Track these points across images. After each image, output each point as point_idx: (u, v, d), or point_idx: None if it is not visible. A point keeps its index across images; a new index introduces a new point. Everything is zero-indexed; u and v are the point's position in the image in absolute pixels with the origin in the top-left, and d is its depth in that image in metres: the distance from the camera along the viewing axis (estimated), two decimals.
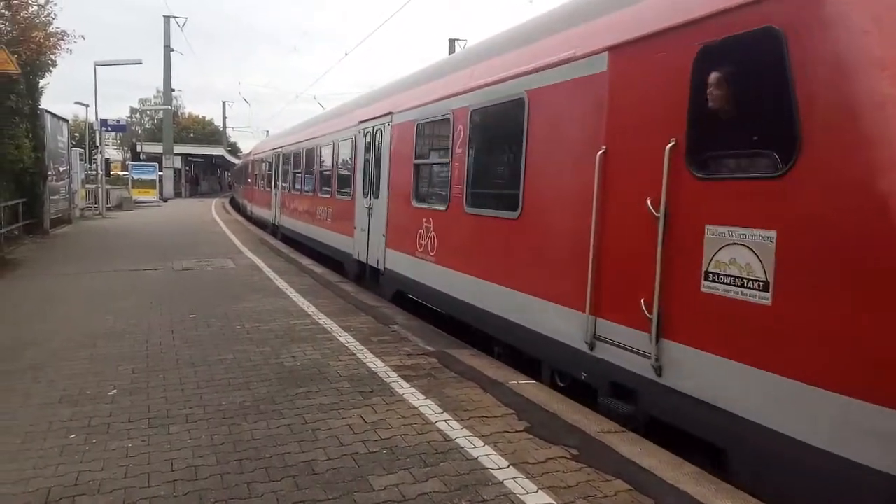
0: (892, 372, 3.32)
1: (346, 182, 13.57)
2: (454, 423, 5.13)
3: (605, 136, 5.41)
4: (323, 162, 15.99)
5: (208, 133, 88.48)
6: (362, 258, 12.06)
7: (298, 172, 18.94)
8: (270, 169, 24.11)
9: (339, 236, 13.83)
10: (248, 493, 3.97)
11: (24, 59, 17.88)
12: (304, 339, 7.81)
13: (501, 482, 4.14)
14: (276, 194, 22.78)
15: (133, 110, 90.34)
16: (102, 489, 4.00)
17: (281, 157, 21.87)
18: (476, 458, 4.48)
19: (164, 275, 12.76)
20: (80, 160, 30.97)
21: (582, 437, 4.89)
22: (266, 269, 13.66)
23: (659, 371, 4.75)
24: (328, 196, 15.11)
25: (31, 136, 19.90)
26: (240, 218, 31.74)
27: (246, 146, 70.39)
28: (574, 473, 4.28)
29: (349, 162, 13.35)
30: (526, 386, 6.11)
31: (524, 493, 4.00)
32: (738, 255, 4.11)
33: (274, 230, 23.01)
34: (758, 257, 3.98)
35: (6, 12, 18.41)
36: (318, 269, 14.02)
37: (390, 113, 10.80)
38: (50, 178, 21.70)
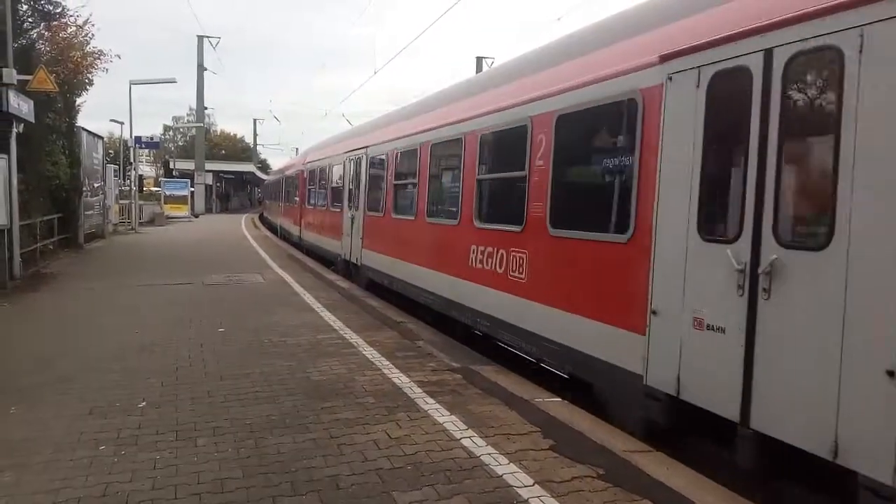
0: None
1: (609, 199, 6.24)
2: (479, 440, 5.11)
3: None
4: (492, 164, 8.72)
5: (239, 150, 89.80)
6: (716, 403, 4.66)
7: (409, 184, 11.44)
8: (342, 181, 16.69)
9: (582, 322, 6.25)
10: None
11: (62, 78, 18.43)
12: (330, 353, 7.85)
13: (526, 500, 4.10)
14: (353, 218, 15.06)
15: (166, 128, 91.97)
16: (130, 500, 4.04)
17: (366, 162, 14.37)
18: (501, 476, 4.45)
19: (194, 289, 12.93)
20: (115, 176, 31.65)
21: (608, 456, 4.82)
22: (294, 284, 13.78)
23: None
24: (516, 230, 7.55)
25: (67, 152, 20.45)
26: (269, 234, 32.06)
27: (276, 163, 71.31)
28: (600, 493, 4.22)
29: (624, 155, 5.91)
30: (551, 403, 6.05)
31: None
32: None
33: (348, 269, 15.59)
34: None
35: (46, 33, 18.99)
36: (345, 284, 14.09)
37: None
38: (85, 193, 22.16)
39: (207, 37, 51.31)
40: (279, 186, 33.30)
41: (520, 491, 4.22)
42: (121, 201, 33.83)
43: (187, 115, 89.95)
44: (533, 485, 4.32)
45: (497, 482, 4.36)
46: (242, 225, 37.85)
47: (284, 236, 28.66)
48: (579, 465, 4.66)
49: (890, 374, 3.55)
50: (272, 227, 36.14)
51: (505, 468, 4.58)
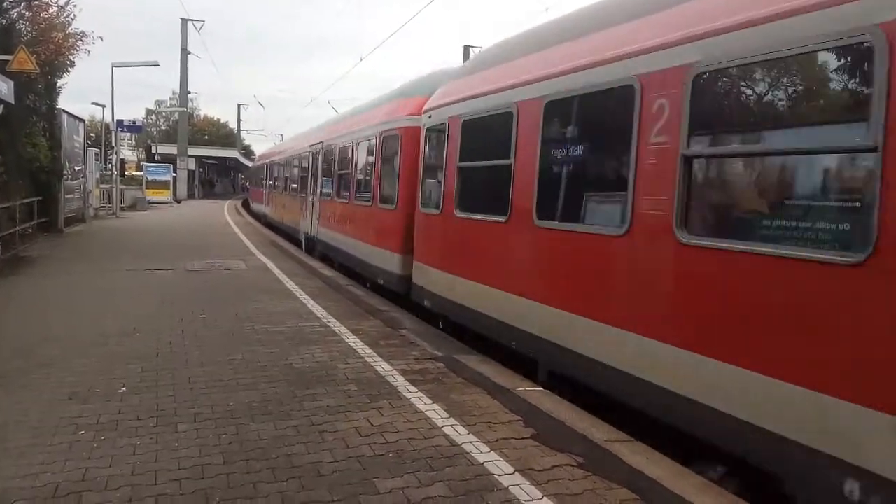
0: None
1: None
2: (461, 429, 5.13)
3: None
4: None
5: (223, 135, 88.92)
6: None
7: None
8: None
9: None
10: (254, 492, 3.98)
11: (43, 59, 18.15)
12: (312, 341, 7.83)
13: (506, 488, 4.13)
14: None
15: (149, 111, 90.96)
16: (110, 486, 4.02)
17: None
18: (482, 464, 4.48)
19: (176, 275, 12.83)
20: (96, 160, 31.26)
21: (589, 445, 4.87)
22: (276, 271, 13.72)
23: None
24: None
25: (47, 135, 20.18)
26: (251, 220, 31.81)
27: (259, 149, 70.66)
28: (580, 481, 4.26)
29: None
30: (533, 393, 6.09)
31: (529, 499, 3.99)
32: None
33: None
34: None
35: (27, 13, 18.68)
36: (328, 272, 14.04)
37: None
38: (65, 177, 21.92)
39: (192, 20, 50.73)
40: (294, 168, 22.00)
41: (500, 478, 4.26)
42: (102, 185, 33.45)
43: (170, 99, 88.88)
44: (513, 472, 4.35)
45: (478, 470, 4.39)
46: (225, 211, 37.58)
47: (336, 260, 15.26)
48: (560, 453, 4.69)
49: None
50: (280, 229, 24.62)
51: (486, 456, 4.61)
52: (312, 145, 18.56)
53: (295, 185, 21.97)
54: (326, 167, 16.53)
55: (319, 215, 17.07)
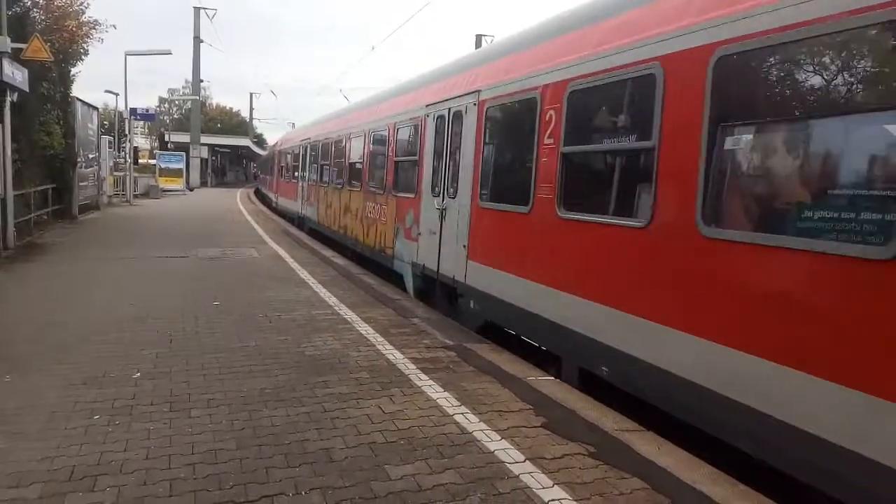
0: None
1: None
2: (471, 417, 5.15)
3: None
4: None
5: (235, 124, 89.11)
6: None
7: None
8: None
9: None
10: (266, 477, 4.01)
11: (57, 48, 18.24)
12: (324, 328, 7.87)
13: (517, 476, 4.14)
14: None
15: (161, 100, 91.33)
16: (124, 469, 4.07)
17: None
18: (492, 452, 4.49)
19: (189, 262, 12.91)
20: (109, 148, 31.42)
21: (600, 434, 4.87)
22: (289, 260, 13.77)
23: None
24: None
25: (61, 123, 20.26)
26: (263, 208, 31.89)
27: (271, 138, 70.71)
28: (590, 470, 4.27)
29: None
30: (544, 382, 6.10)
31: (540, 487, 4.00)
32: None
33: None
34: None
35: (41, 1, 18.76)
36: (341, 260, 14.07)
37: None
38: (79, 164, 22.02)
39: (204, 8, 50.76)
40: (369, 152, 13.97)
41: (511, 467, 4.27)
42: (115, 173, 33.64)
43: (183, 87, 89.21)
44: (524, 461, 4.36)
45: (488, 458, 4.40)
46: (238, 199, 37.71)
47: (582, 366, 6.27)
48: (570, 442, 4.70)
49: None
50: (335, 241, 16.73)
51: (497, 444, 4.62)
52: (432, 104, 10.21)
53: (376, 181, 13.29)
54: (499, 147, 8.46)
55: (469, 241, 8.59)
